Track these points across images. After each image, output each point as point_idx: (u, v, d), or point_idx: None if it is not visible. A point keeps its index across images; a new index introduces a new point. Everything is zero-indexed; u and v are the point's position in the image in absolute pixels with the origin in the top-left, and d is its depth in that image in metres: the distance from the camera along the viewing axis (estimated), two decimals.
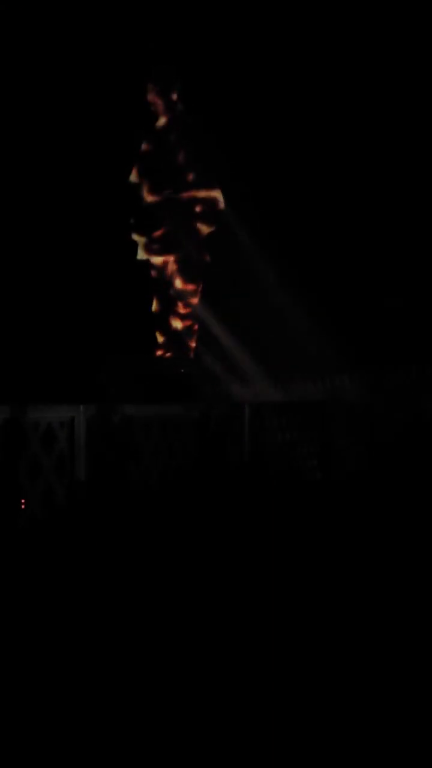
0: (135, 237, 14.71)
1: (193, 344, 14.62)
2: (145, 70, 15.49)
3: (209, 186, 14.78)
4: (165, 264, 14.69)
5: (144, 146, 14.94)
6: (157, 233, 14.52)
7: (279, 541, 9.19)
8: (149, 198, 14.64)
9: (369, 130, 23.13)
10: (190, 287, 14.75)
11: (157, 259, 14.75)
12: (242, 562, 8.22)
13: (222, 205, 14.91)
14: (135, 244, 14.82)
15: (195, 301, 14.78)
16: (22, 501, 6.81)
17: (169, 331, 14.63)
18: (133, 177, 14.89)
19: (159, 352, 14.60)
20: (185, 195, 14.56)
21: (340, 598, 7.42)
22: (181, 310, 14.62)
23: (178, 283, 14.67)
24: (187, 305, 14.65)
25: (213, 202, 14.78)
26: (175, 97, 14.78)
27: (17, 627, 5.99)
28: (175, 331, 14.61)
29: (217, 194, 14.81)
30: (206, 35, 20.65)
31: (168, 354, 14.47)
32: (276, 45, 22.45)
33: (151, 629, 6.30)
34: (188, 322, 14.63)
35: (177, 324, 14.62)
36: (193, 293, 14.75)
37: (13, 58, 20.83)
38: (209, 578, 7.55)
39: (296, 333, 20.17)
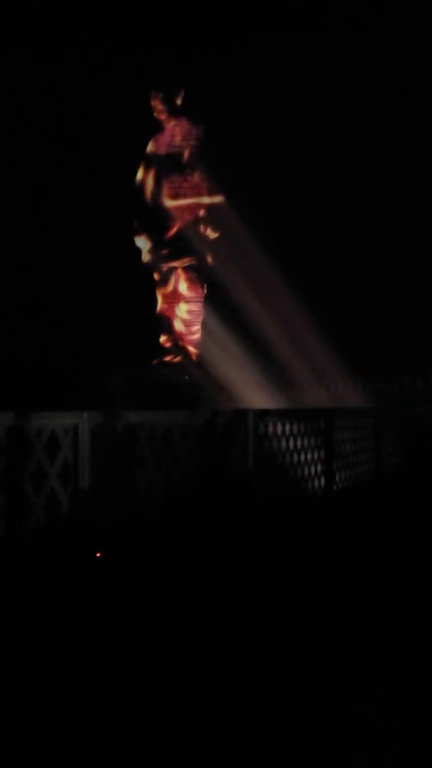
0: (139, 242, 14.72)
1: (197, 351, 14.62)
2: (149, 74, 15.53)
3: (214, 191, 14.79)
4: (169, 270, 14.69)
5: (148, 151, 14.96)
6: (161, 239, 14.53)
7: (283, 550, 9.16)
8: (153, 203, 14.65)
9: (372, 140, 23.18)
10: (195, 293, 14.74)
11: (161, 265, 14.75)
12: (247, 571, 8.19)
13: (227, 210, 14.91)
14: (139, 250, 14.83)
15: (199, 306, 14.78)
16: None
17: (173, 337, 14.63)
18: (138, 182, 14.90)
19: (163, 359, 14.59)
20: (190, 200, 14.56)
21: (340, 605, 7.40)
22: (186, 316, 14.61)
23: (183, 290, 14.67)
24: (191, 311, 14.65)
25: (218, 207, 14.79)
26: (178, 101, 14.79)
27: (20, 634, 5.97)
28: (179, 338, 14.61)
29: (222, 199, 14.82)
30: (209, 41, 20.69)
31: (172, 361, 14.46)
32: (279, 50, 22.49)
33: (153, 639, 6.28)
34: (193, 329, 14.63)
35: (181, 330, 14.61)
36: (198, 299, 14.74)
37: (17, 64, 20.90)
38: (214, 590, 7.53)
39: (304, 342, 20.21)
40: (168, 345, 14.68)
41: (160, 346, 14.73)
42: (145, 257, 14.77)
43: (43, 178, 21.68)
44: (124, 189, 15.36)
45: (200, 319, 14.77)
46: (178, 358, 14.52)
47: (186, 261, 14.52)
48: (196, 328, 14.68)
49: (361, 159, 23.48)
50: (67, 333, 21.13)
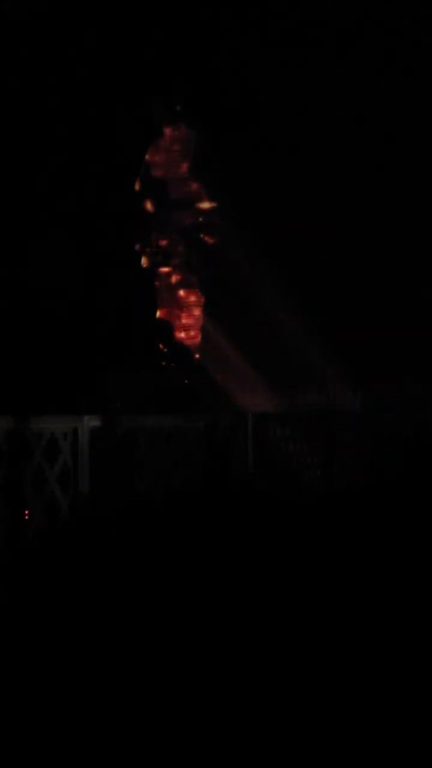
0: (138, 247, 14.74)
1: (197, 355, 14.64)
2: (149, 81, 15.56)
3: (213, 197, 14.81)
4: (168, 274, 14.71)
5: (147, 157, 14.99)
6: (161, 244, 14.56)
7: (283, 554, 9.17)
8: (152, 209, 14.68)
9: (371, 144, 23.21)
10: (194, 298, 14.77)
11: (160, 270, 14.77)
12: (247, 576, 8.20)
13: (224, 212, 14.94)
14: (139, 255, 14.85)
15: (198, 311, 14.79)
16: (26, 512, 6.81)
17: (172, 341, 14.64)
18: (137, 188, 14.93)
19: (163, 363, 14.61)
20: (189, 205, 14.59)
21: (339, 609, 7.41)
22: (185, 320, 14.63)
23: (182, 294, 14.69)
24: (190, 316, 14.67)
25: (216, 212, 14.81)
26: (177, 108, 14.84)
27: (22, 636, 5.99)
28: (179, 342, 14.62)
29: (217, 205, 14.85)
30: (209, 49, 20.71)
31: (172, 365, 14.48)
32: (278, 59, 22.51)
33: (153, 641, 6.29)
34: (192, 333, 14.65)
35: (180, 335, 14.63)
36: (197, 303, 14.76)
37: (18, 66, 20.91)
38: (214, 593, 7.54)
39: (302, 345, 20.20)
40: (168, 349, 14.71)
41: (160, 351, 14.75)
42: (145, 262, 14.81)
43: (42, 183, 21.67)
44: (124, 195, 15.37)
45: (200, 324, 14.80)
46: (182, 361, 14.56)
47: (183, 266, 14.55)
48: (195, 332, 14.71)
49: (360, 160, 23.48)
50: (68, 337, 21.11)
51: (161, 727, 4.96)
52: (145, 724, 5.01)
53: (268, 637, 6.52)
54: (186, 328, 14.63)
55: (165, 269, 14.75)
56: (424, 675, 5.87)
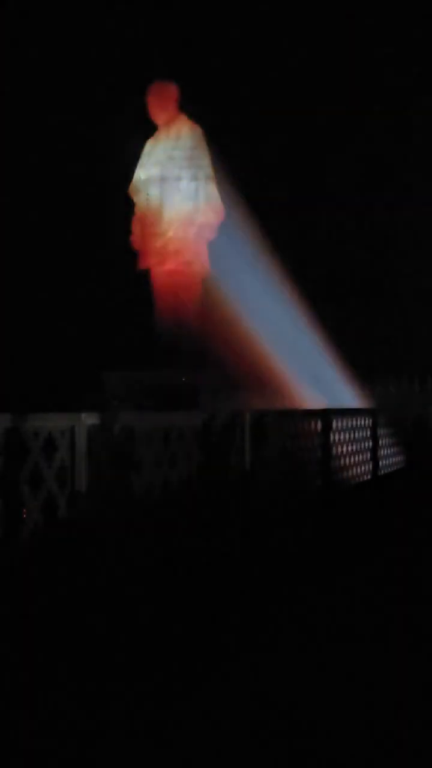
0: (136, 247, 14.77)
1: (195, 353, 14.66)
2: (147, 77, 15.58)
3: (212, 194, 14.82)
4: (166, 274, 14.73)
5: (145, 156, 15.00)
6: (159, 243, 14.58)
7: (280, 550, 9.19)
8: (150, 208, 14.69)
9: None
10: (192, 297, 14.79)
11: (158, 269, 14.79)
12: (244, 573, 8.22)
13: (224, 214, 14.95)
14: (136, 256, 14.87)
15: (197, 310, 14.81)
16: (23, 511, 6.81)
17: (171, 340, 14.66)
18: (135, 186, 14.94)
19: (161, 362, 14.63)
20: (187, 204, 14.61)
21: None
22: (183, 318, 14.66)
23: (180, 293, 14.71)
24: (189, 314, 14.69)
25: (215, 211, 14.83)
26: (175, 104, 14.86)
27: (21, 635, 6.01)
28: (177, 341, 14.64)
29: (219, 203, 14.85)
30: (206, 45, 20.75)
31: (170, 364, 14.51)
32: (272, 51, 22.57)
33: (151, 637, 6.32)
34: (190, 331, 14.67)
35: (179, 333, 14.64)
36: (195, 302, 14.79)
37: (20, 66, 20.97)
38: (210, 591, 7.55)
39: (301, 342, 20.24)
40: (167, 351, 14.72)
41: (158, 351, 14.77)
42: (142, 264, 14.82)
43: (47, 188, 21.76)
44: (122, 197, 15.41)
45: (199, 322, 14.81)
46: (180, 360, 14.58)
47: (182, 265, 14.57)
48: (195, 330, 14.73)
49: (358, 160, 23.53)
50: (67, 337, 21.17)
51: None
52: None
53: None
54: (184, 327, 14.66)
55: (163, 268, 14.75)
56: None
